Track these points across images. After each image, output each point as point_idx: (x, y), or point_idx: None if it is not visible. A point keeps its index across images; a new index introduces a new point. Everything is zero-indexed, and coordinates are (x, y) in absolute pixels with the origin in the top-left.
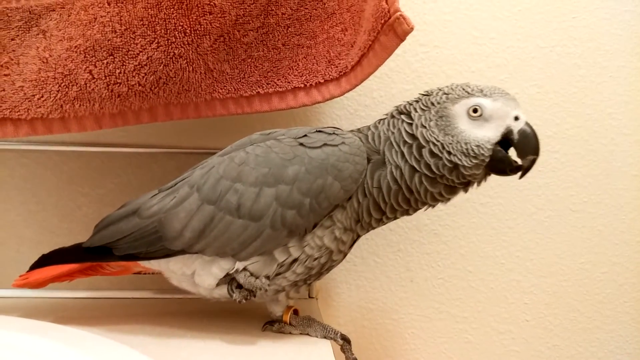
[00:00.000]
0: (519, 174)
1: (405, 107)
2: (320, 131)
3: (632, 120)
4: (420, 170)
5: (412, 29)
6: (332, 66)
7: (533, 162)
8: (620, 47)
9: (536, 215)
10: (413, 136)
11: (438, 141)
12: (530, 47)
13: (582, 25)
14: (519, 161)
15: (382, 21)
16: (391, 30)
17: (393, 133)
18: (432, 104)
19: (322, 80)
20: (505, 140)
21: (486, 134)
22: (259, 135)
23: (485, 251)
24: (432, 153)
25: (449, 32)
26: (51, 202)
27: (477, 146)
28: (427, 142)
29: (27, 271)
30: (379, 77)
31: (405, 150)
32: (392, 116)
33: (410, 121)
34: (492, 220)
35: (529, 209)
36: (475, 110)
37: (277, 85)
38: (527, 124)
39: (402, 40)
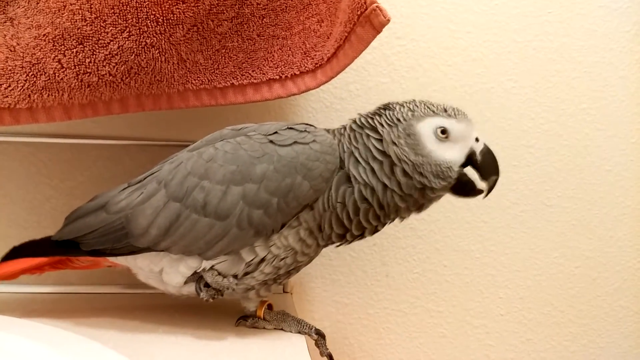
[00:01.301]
0: (484, 194)
1: (366, 120)
2: (291, 128)
3: (605, 115)
4: (390, 187)
5: (388, 20)
6: (308, 58)
7: (495, 182)
8: (595, 43)
9: (510, 209)
10: (384, 153)
11: (410, 160)
12: (506, 42)
13: (557, 21)
14: (481, 183)
15: (359, 12)
16: (367, 21)
17: (357, 148)
18: (398, 120)
19: (297, 72)
20: (468, 162)
21: (453, 156)
22: (230, 130)
23: (460, 245)
24: (404, 172)
25: (426, 26)
26: (19, 194)
27: (448, 168)
28: (400, 160)
29: None
30: (355, 69)
31: (375, 166)
32: (352, 129)
33: (378, 137)
34: (467, 215)
35: (504, 203)
36: (443, 132)
37: (252, 76)
38: (485, 144)
39: (378, 32)
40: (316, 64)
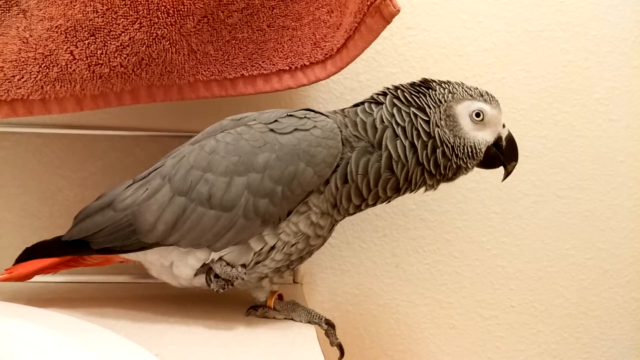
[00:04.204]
0: (503, 176)
1: (413, 99)
2: (291, 115)
3: (619, 106)
4: (428, 168)
5: (398, 10)
6: (318, 48)
7: (514, 167)
8: (608, 32)
9: (522, 200)
10: (429, 134)
11: (450, 143)
12: (518, 31)
13: (570, 10)
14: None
15: (368, 3)
16: (377, 12)
17: (399, 124)
18: (440, 101)
19: (307, 63)
20: (494, 145)
21: (485, 137)
22: (230, 121)
23: (471, 237)
24: (443, 154)
25: (437, 15)
26: (32, 185)
27: (480, 150)
28: (442, 143)
29: (13, 265)
30: (365, 60)
31: (419, 144)
32: (394, 104)
33: (426, 118)
34: (478, 206)
35: (515, 194)
36: (478, 115)
37: (262, 67)
38: (509, 131)
39: (388, 22)
40: (326, 54)
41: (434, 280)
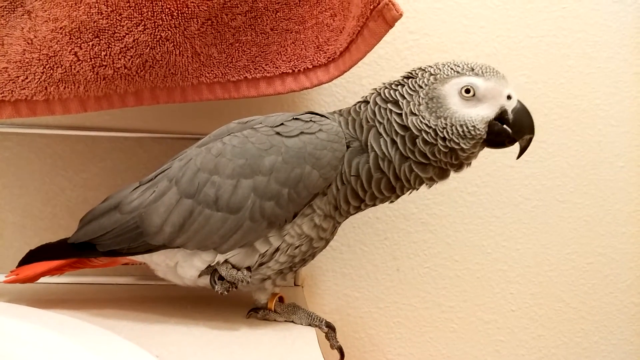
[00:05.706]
0: (517, 153)
1: (390, 93)
2: (297, 119)
3: (619, 111)
4: (415, 159)
5: (401, 15)
6: (321, 52)
7: (530, 141)
8: (609, 39)
9: (523, 205)
10: (405, 127)
11: (430, 127)
12: (520, 37)
13: (571, 16)
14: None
15: (371, 7)
16: (380, 16)
17: (381, 123)
18: (420, 86)
19: (310, 66)
20: (499, 120)
21: (480, 113)
22: (237, 124)
23: (471, 241)
24: (425, 141)
25: (439, 20)
26: (34, 185)
27: (473, 127)
28: (420, 130)
29: (17, 267)
30: (367, 64)
31: (398, 140)
32: (376, 103)
33: (399, 111)
34: (479, 210)
35: (516, 198)
36: (467, 91)
37: (265, 70)
38: (520, 102)
39: (390, 26)
40: (329, 58)
41: (435, 283)
